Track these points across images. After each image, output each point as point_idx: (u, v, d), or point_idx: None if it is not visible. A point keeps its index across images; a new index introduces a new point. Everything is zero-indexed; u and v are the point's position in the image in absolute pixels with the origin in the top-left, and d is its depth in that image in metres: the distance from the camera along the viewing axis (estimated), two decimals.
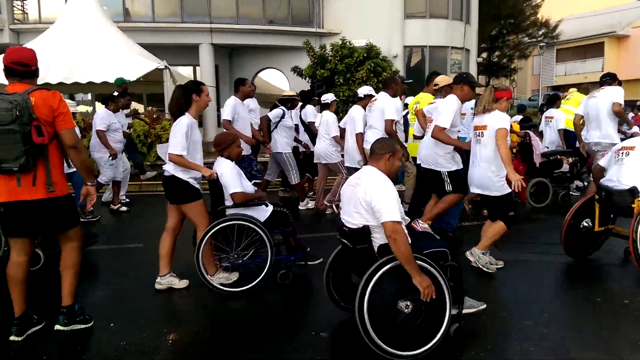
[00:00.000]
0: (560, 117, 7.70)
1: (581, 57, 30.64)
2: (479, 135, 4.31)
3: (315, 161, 6.94)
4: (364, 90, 6.49)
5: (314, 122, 7.31)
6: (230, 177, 4.08)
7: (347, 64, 13.18)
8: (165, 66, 10.68)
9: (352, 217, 3.01)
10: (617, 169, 4.44)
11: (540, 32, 26.24)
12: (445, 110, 4.56)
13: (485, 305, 3.47)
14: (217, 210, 4.07)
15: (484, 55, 24.94)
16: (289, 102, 6.94)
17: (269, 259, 3.97)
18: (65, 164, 3.16)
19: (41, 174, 2.92)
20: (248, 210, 4.15)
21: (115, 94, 7.50)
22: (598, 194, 4.48)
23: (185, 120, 3.81)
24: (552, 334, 3.20)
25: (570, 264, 4.58)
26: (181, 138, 3.75)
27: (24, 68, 2.98)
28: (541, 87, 31.25)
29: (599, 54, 29.66)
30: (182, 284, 4.00)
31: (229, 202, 4.09)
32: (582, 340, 3.14)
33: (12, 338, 3.05)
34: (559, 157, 7.28)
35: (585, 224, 4.63)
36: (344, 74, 13.12)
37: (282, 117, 6.68)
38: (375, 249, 2.98)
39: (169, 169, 3.85)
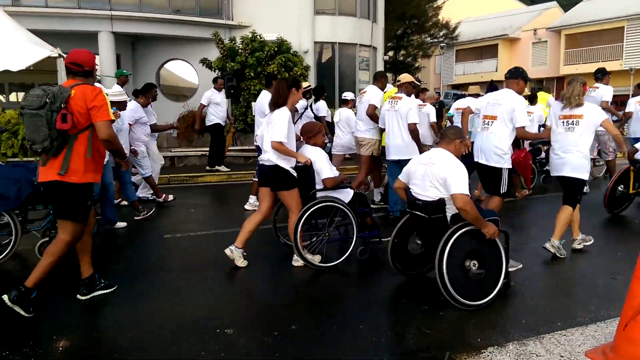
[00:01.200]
0: (540, 114, 8.17)
1: (478, 58, 32.84)
2: (573, 124, 4.62)
3: (336, 152, 7.35)
4: (350, 95, 7.63)
5: (325, 117, 8.02)
6: (324, 163, 4.54)
7: (258, 57, 13.05)
8: (59, 54, 9.90)
9: (427, 191, 3.63)
10: None
11: (442, 33, 27.78)
12: (518, 107, 4.68)
13: (521, 265, 4.21)
14: (310, 194, 4.44)
15: (390, 53, 25.91)
16: (307, 94, 7.50)
17: (354, 236, 4.50)
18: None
19: (60, 159, 3.25)
20: (335, 193, 4.58)
21: (114, 88, 7.11)
22: (634, 166, 6.11)
23: (287, 111, 4.25)
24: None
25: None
26: (284, 127, 4.16)
27: (77, 67, 3.40)
28: (442, 85, 33.18)
29: (493, 55, 31.98)
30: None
31: (318, 186, 4.51)
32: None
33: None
34: (539, 145, 8.44)
35: (620, 189, 6.25)
36: (254, 68, 12.99)
37: (306, 108, 7.38)
38: (449, 218, 3.61)
39: (272, 158, 4.23)
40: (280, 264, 4.56)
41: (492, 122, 4.81)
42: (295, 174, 4.29)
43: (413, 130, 5.86)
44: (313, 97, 8.12)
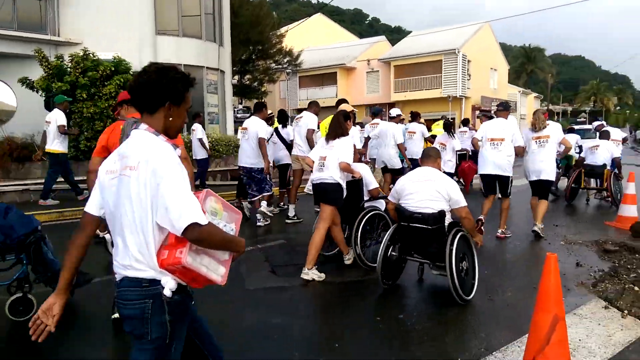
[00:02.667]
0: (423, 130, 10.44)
1: (319, 84, 34.46)
2: (544, 142, 6.65)
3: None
4: (395, 111, 9.36)
5: (293, 140, 8.24)
6: (370, 176, 5.57)
7: (91, 77, 11.71)
8: None
9: (430, 204, 4.19)
10: (592, 156, 9.43)
11: (285, 60, 28.50)
12: (518, 132, 6.61)
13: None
14: (360, 205, 5.34)
15: (236, 77, 25.72)
16: (269, 120, 8.40)
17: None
18: None
19: None
20: (375, 203, 5.50)
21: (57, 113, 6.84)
22: (584, 168, 9.36)
23: (350, 139, 5.13)
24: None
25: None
26: (351, 151, 5.04)
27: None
28: (289, 109, 33.96)
29: (333, 82, 33.87)
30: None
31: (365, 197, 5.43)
32: None
33: None
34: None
35: (574, 186, 9.49)
36: (87, 89, 11.61)
37: (272, 134, 8.14)
38: (446, 226, 4.25)
39: (335, 177, 4.96)
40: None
41: (502, 142, 6.47)
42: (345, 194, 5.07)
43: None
44: (278, 123, 8.58)
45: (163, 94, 1.96)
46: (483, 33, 33.09)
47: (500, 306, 4.25)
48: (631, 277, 4.98)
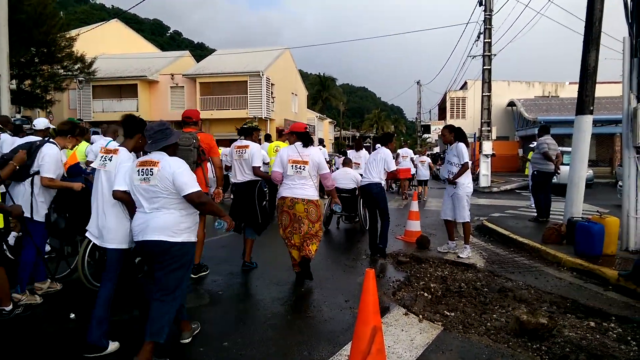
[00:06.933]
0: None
1: (117, 96, 31.92)
2: (424, 161, 15.78)
3: None
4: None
5: None
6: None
7: None
8: None
9: (349, 184, 9.09)
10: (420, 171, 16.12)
11: (77, 67, 25.61)
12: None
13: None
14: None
15: (14, 82, 22.12)
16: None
17: None
18: None
19: (201, 178, 5.08)
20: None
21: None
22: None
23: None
24: None
25: None
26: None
27: (189, 120, 5.65)
28: (82, 122, 30.53)
29: (133, 95, 31.71)
30: None
31: None
32: None
33: None
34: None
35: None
36: None
37: None
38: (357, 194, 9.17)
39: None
40: None
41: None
42: None
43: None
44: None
45: None
46: (284, 58, 34.98)
47: (318, 321, 4.41)
48: (421, 285, 5.71)
